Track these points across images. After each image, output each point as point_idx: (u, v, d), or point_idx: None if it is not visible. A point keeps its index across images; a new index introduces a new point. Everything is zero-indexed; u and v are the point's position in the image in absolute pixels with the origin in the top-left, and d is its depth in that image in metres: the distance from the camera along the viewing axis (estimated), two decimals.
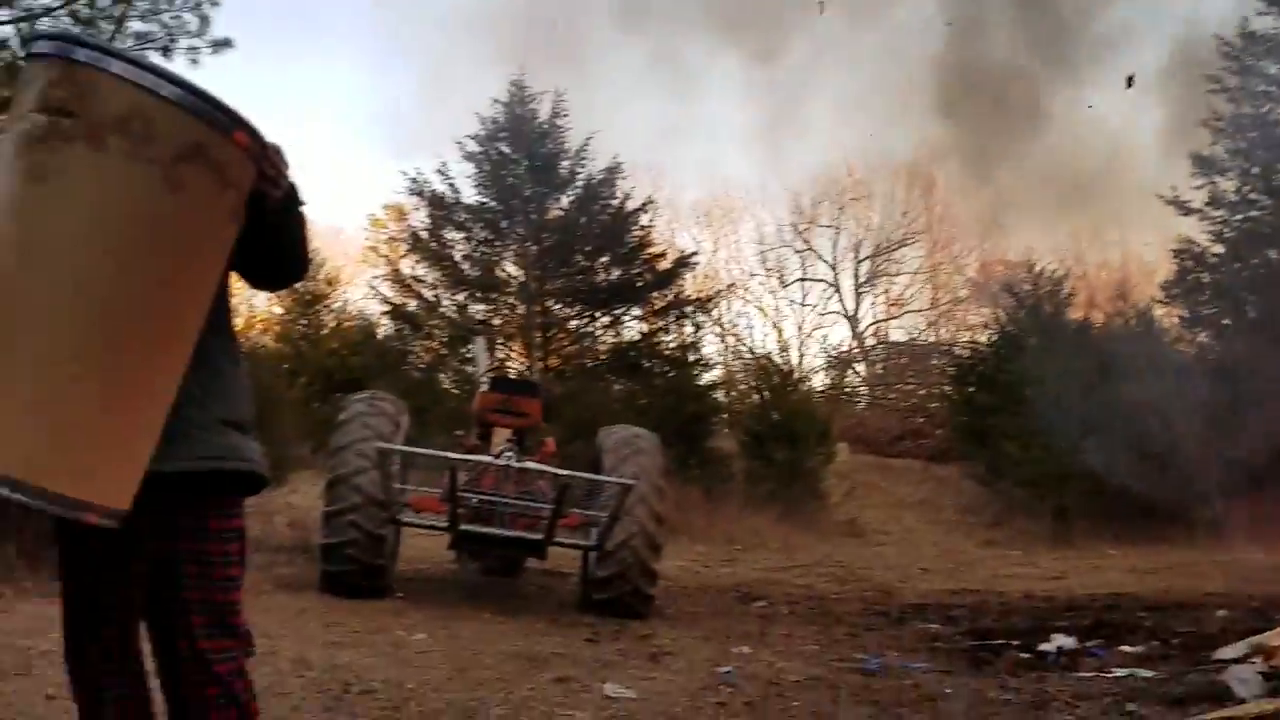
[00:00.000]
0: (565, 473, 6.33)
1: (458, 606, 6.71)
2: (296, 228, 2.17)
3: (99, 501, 1.72)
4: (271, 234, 2.10)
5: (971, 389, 17.55)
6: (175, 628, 2.09)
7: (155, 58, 8.69)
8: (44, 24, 8.30)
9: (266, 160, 1.94)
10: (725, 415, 18.47)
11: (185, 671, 2.08)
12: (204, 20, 8.90)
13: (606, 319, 17.54)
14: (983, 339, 20.31)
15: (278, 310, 19.98)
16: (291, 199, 2.11)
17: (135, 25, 8.74)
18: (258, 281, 2.31)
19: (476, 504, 6.63)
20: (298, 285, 21.26)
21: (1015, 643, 6.16)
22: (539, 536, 6.51)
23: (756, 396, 17.77)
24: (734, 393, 21.08)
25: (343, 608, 6.21)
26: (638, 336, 17.82)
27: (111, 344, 1.70)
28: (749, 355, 25.11)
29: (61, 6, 8.54)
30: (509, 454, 6.82)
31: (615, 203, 17.36)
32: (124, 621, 2.12)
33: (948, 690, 4.90)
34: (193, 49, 8.91)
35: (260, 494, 2.26)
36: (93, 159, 1.68)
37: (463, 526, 6.41)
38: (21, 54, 8.45)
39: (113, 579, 2.09)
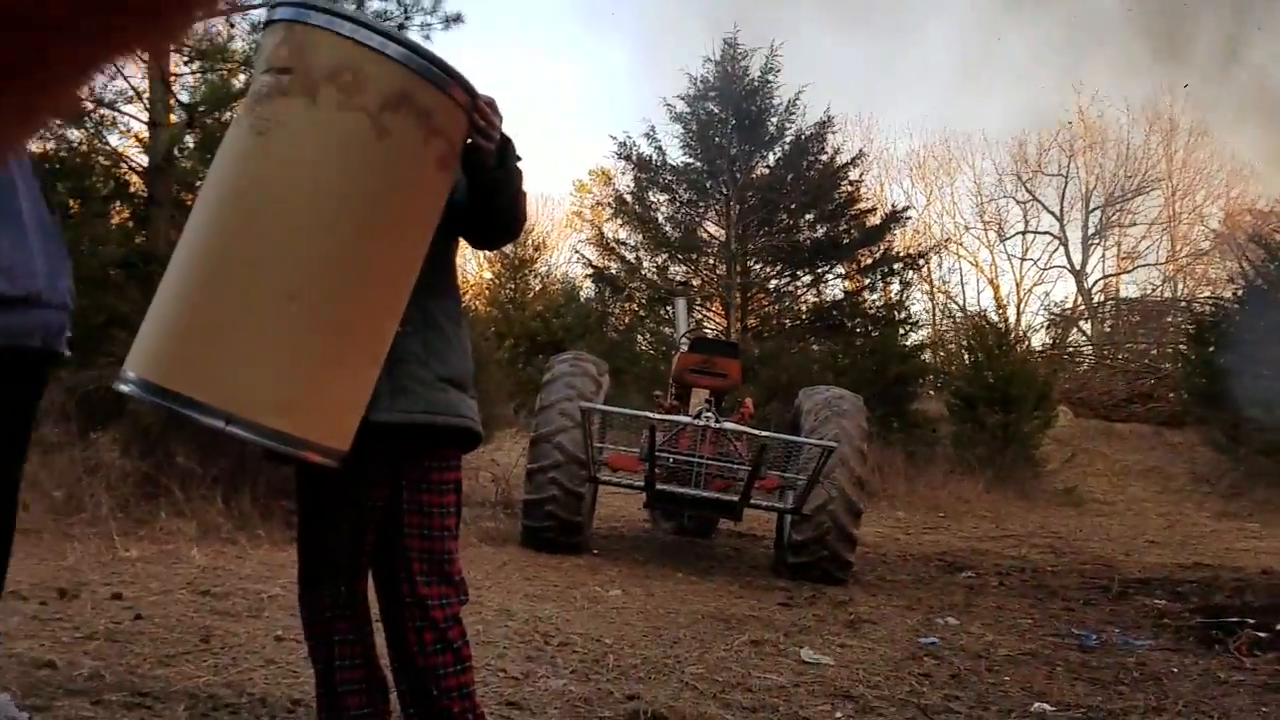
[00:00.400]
0: (764, 434, 6.19)
1: (651, 565, 6.74)
2: (512, 184, 2.21)
3: (318, 440, 1.80)
4: (488, 189, 2.18)
5: (1211, 348, 16.09)
6: (398, 574, 2.22)
7: None
8: None
9: (477, 110, 1.98)
10: (932, 377, 17.76)
11: (406, 616, 2.20)
12: None
13: (808, 278, 17.17)
14: (1226, 294, 18.59)
15: (487, 275, 20.75)
16: (506, 154, 2.14)
17: (374, 4, 9.17)
18: (476, 239, 2.37)
19: (673, 464, 6.61)
20: (508, 249, 22.07)
21: (1250, 621, 5.57)
22: (734, 498, 6.42)
23: (968, 357, 16.95)
24: (943, 353, 20.27)
25: (542, 562, 6.35)
26: (841, 295, 17.38)
27: (329, 287, 1.77)
28: (961, 314, 24.10)
29: None
30: (707, 414, 6.76)
31: (825, 158, 16.92)
32: (353, 568, 2.25)
33: (1174, 669, 4.53)
34: (426, 25, 9.30)
35: (473, 450, 2.37)
36: (307, 111, 1.76)
37: (659, 486, 6.40)
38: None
39: (344, 526, 2.22)
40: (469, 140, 2.02)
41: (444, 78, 1.84)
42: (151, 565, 4.96)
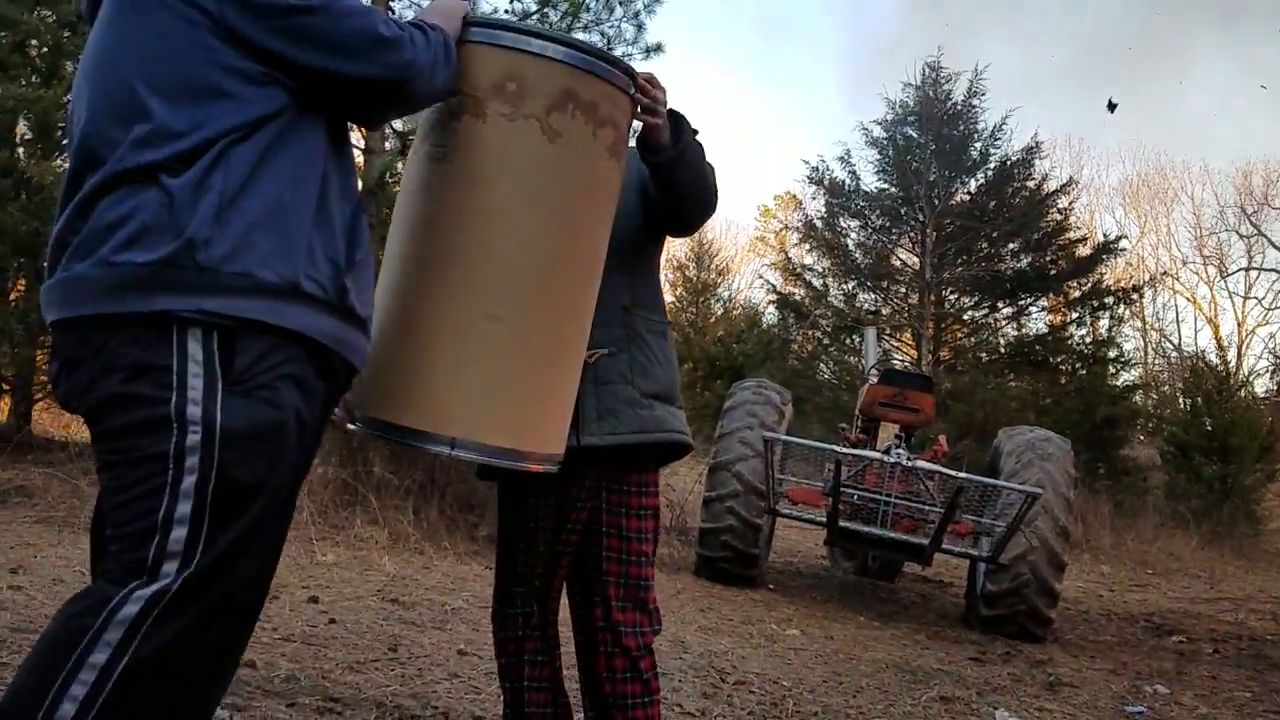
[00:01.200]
0: (961, 475, 5.86)
1: (831, 605, 6.50)
2: (692, 157, 2.14)
3: (536, 449, 1.84)
4: (668, 168, 2.11)
5: None
6: (593, 598, 2.21)
7: None
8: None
9: (639, 89, 1.96)
10: (1143, 421, 16.57)
11: (598, 641, 2.18)
12: (640, 28, 9.50)
13: (1009, 310, 16.39)
14: None
15: (668, 299, 20.90)
16: (679, 128, 2.10)
17: (579, 36, 9.46)
18: (673, 225, 2.31)
19: (858, 501, 6.37)
20: (690, 274, 22.19)
21: None
22: (924, 541, 6.11)
23: (1184, 401, 15.74)
24: (1155, 396, 18.93)
25: (717, 593, 6.23)
26: (1044, 329, 16.51)
27: (528, 299, 1.79)
28: (1176, 354, 22.49)
29: (518, 22, 9.43)
30: (898, 450, 6.47)
31: (1031, 185, 16.17)
32: (547, 588, 2.26)
33: None
34: (627, 55, 9.52)
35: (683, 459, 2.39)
36: (477, 129, 1.78)
37: (842, 523, 6.17)
38: None
39: (542, 546, 2.22)
40: (637, 122, 2.03)
41: (603, 66, 1.84)
42: (345, 571, 5.15)
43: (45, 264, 1.61)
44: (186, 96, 1.50)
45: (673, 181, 2.13)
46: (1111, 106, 14.88)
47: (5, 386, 7.80)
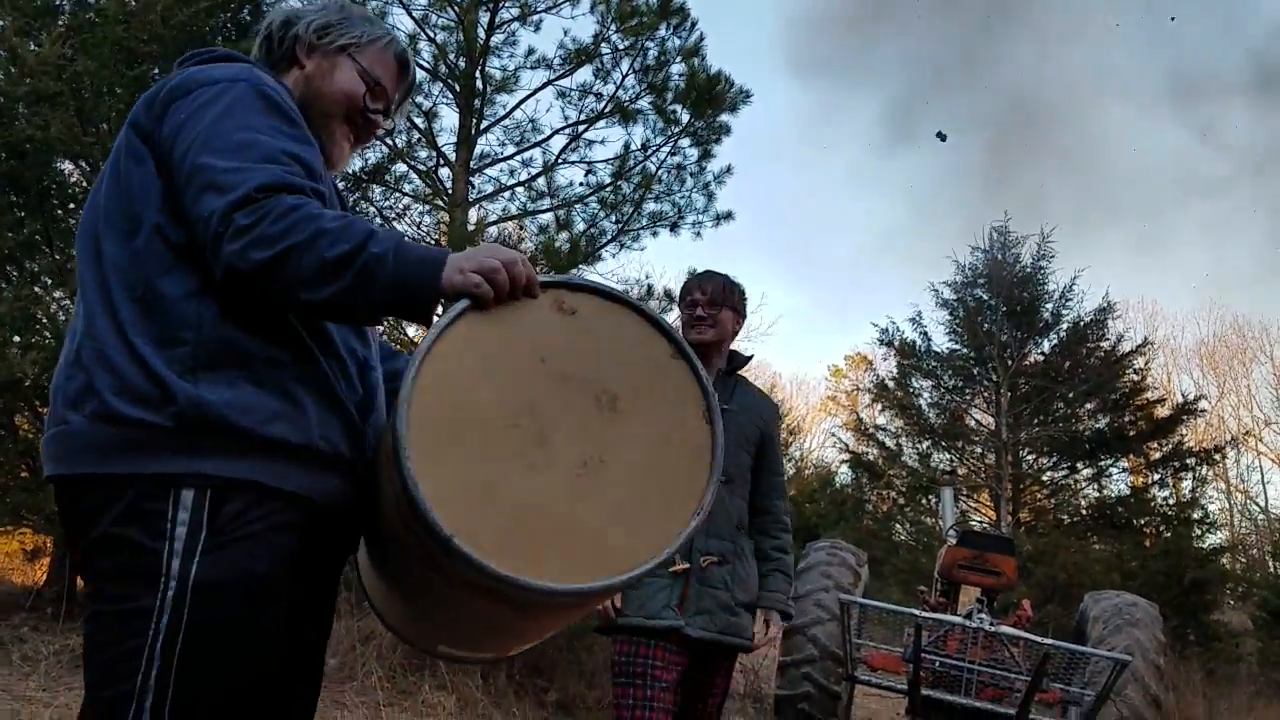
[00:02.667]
0: (1047, 641, 5.61)
1: None
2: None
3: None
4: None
5: None
6: None
7: (664, 232, 9.86)
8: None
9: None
10: (1233, 585, 15.75)
11: None
12: (710, 198, 9.89)
13: (1089, 471, 15.95)
14: None
15: None
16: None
17: (650, 206, 9.88)
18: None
19: (940, 668, 6.10)
20: None
21: None
22: (1011, 710, 5.80)
23: (1275, 565, 14.97)
24: (1244, 559, 18.04)
25: None
26: (1126, 491, 16.00)
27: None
28: (1264, 516, 21.55)
29: (592, 194, 9.93)
30: (980, 615, 6.24)
31: (1106, 345, 16.03)
32: None
33: None
34: (697, 223, 9.89)
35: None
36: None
37: (925, 691, 5.91)
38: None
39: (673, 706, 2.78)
40: None
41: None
42: None
43: None
44: None
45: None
46: (942, 137, 15.21)
47: (57, 547, 7.98)
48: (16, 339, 6.38)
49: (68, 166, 7.41)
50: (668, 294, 9.99)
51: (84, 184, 7.80)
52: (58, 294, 7.46)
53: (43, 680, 5.14)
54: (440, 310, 1.50)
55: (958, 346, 16.70)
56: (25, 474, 7.47)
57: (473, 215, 10.00)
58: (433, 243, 9.89)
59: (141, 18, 6.66)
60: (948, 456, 16.71)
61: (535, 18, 9.74)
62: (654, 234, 9.95)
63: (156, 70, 6.79)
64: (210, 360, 1.47)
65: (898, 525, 16.49)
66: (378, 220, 9.50)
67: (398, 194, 9.92)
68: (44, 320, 6.76)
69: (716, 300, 3.09)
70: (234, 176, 1.44)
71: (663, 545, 1.45)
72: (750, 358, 3.21)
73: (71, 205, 7.69)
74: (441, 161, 10.01)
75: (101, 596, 1.46)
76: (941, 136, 13.96)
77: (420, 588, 1.59)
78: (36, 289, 7.12)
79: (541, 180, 10.04)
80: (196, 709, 1.41)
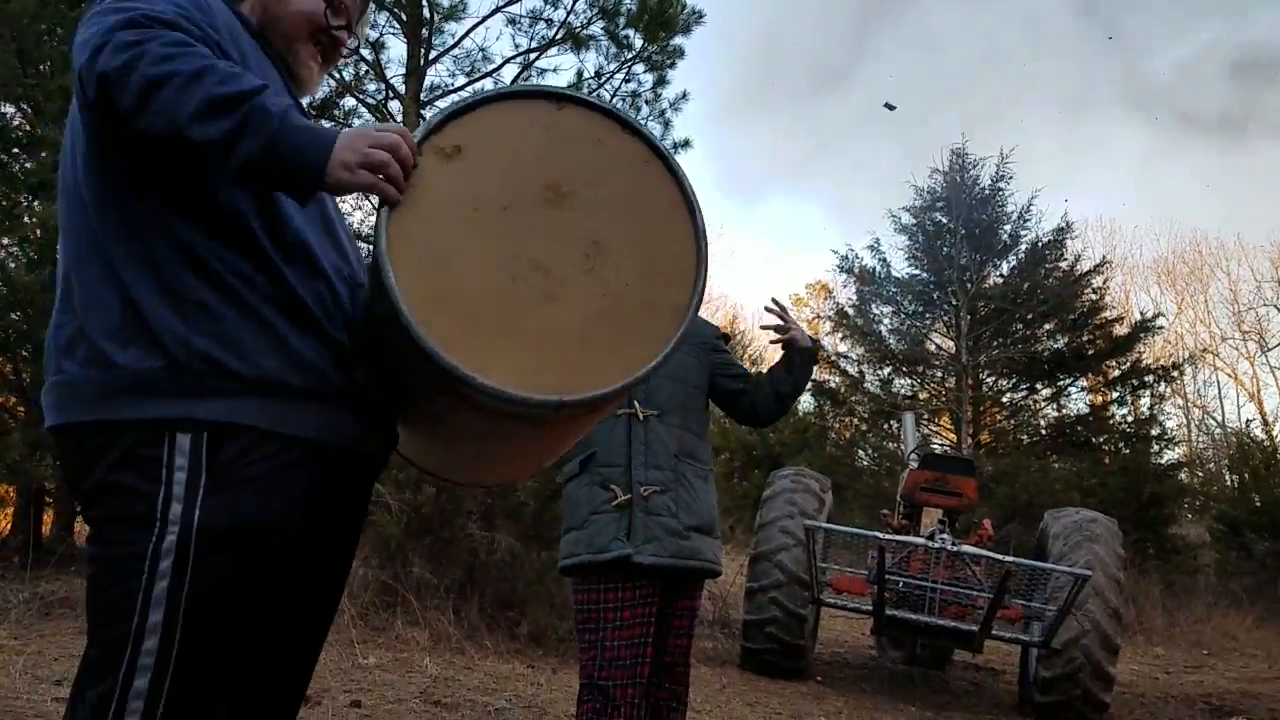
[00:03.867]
0: (1008, 559, 5.74)
1: (881, 697, 6.33)
2: (808, 377, 3.07)
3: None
4: (809, 359, 3.03)
5: None
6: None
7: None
8: None
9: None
10: (1190, 499, 16.20)
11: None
12: (667, 125, 9.79)
13: (1048, 391, 16.23)
14: None
15: None
16: (815, 352, 3.04)
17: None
18: (765, 413, 3.08)
19: (904, 588, 6.24)
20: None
21: None
22: (974, 628, 5.97)
23: (1231, 478, 15.40)
24: (1201, 474, 18.53)
25: (763, 687, 6.10)
26: (1085, 410, 16.31)
27: None
28: (1220, 431, 22.09)
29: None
30: (942, 536, 6.37)
31: (1064, 265, 16.19)
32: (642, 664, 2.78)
33: None
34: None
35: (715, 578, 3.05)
36: None
37: (889, 611, 6.05)
38: None
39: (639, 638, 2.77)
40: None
41: None
42: (387, 673, 5.11)
43: None
44: None
45: (803, 376, 3.03)
46: (890, 107, 15.58)
47: (47, 499, 7.90)
48: None
49: (9, 110, 7.18)
50: None
51: (26, 127, 7.56)
52: (6, 240, 7.28)
53: (13, 629, 5.13)
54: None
55: (917, 272, 16.77)
56: None
57: None
58: None
59: None
60: (909, 382, 16.90)
61: None
62: None
63: None
64: (180, 282, 1.43)
65: (860, 451, 16.72)
66: None
67: (346, 129, 9.72)
68: None
69: None
70: (97, 26, 1.36)
71: (665, 339, 1.43)
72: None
73: (16, 150, 7.47)
74: (391, 94, 9.81)
75: (100, 541, 1.45)
76: (890, 107, 14.03)
77: (433, 420, 1.62)
78: None
79: None
80: (201, 654, 1.40)
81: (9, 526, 8.50)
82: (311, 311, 1.51)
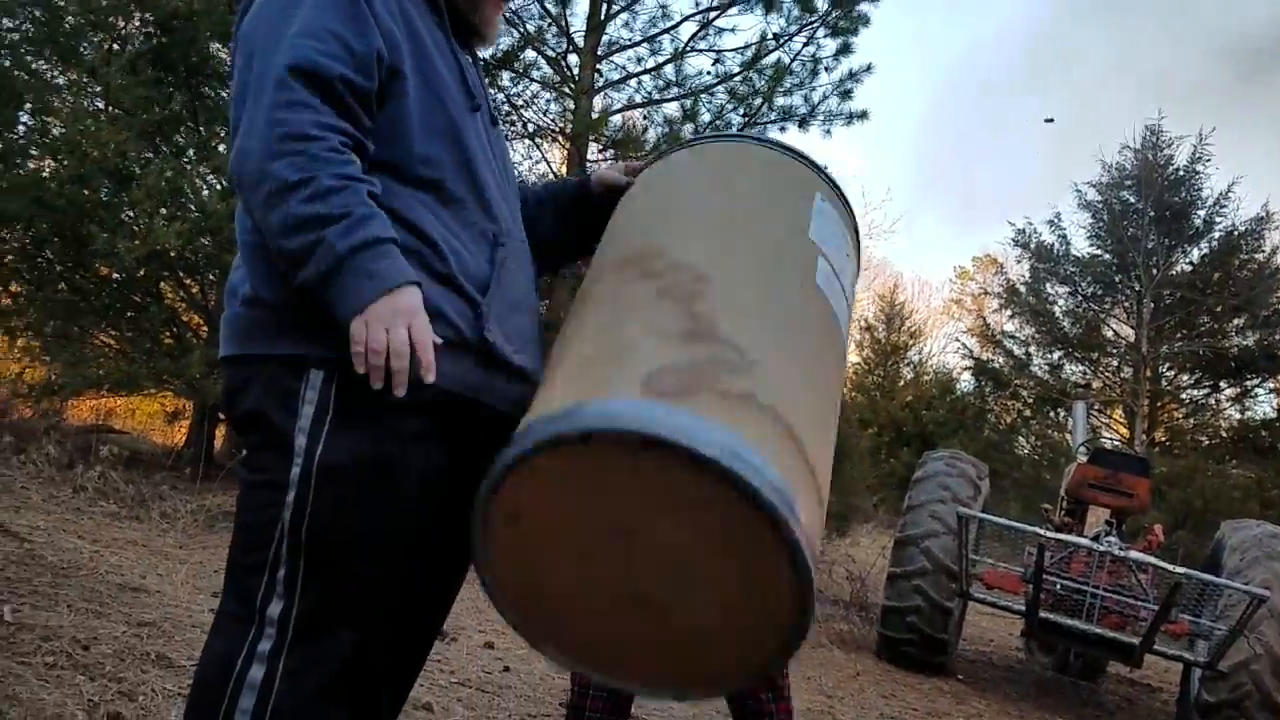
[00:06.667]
0: (1180, 569, 5.34)
1: (1026, 704, 6.03)
2: None
3: None
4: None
5: None
6: None
7: (792, 127, 9.54)
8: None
9: None
10: None
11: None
12: (846, 94, 9.48)
13: (1232, 391, 15.16)
14: None
15: (854, 359, 20.42)
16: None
17: (780, 100, 9.54)
18: None
19: (1061, 590, 5.90)
20: (879, 335, 21.68)
21: None
22: (1134, 640, 5.60)
23: None
24: None
25: (899, 678, 5.90)
26: (1272, 414, 15.16)
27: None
28: None
29: (719, 83, 9.66)
30: (1109, 538, 5.97)
31: (1260, 258, 15.00)
32: None
33: None
34: (828, 119, 9.53)
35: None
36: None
37: (1043, 614, 5.73)
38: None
39: None
40: None
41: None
42: None
43: None
44: None
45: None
46: (1049, 120, 14.58)
47: (220, 416, 8.34)
48: (163, 211, 6.58)
49: (215, 45, 7.51)
50: None
51: (230, 62, 7.91)
52: (202, 168, 7.65)
53: (179, 537, 5.44)
54: None
55: (1099, 252, 15.89)
56: (169, 340, 7.85)
57: (597, 103, 9.82)
58: (558, 130, 9.77)
59: None
60: (1081, 368, 16.08)
61: None
62: (782, 129, 9.60)
63: None
64: None
65: (1022, 438, 16.05)
66: (505, 108, 9.42)
67: (526, 79, 9.78)
68: (189, 194, 6.95)
69: None
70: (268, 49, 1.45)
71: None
72: None
73: (217, 84, 7.82)
74: (571, 48, 9.79)
75: (246, 466, 1.53)
76: (1049, 120, 13.37)
77: None
78: (184, 162, 7.31)
79: (670, 68, 9.75)
80: (322, 583, 1.45)
81: (183, 439, 9.06)
82: (449, 263, 1.53)
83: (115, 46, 7.21)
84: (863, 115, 9.62)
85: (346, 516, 1.45)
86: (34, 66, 7.23)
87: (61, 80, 7.34)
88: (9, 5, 7.06)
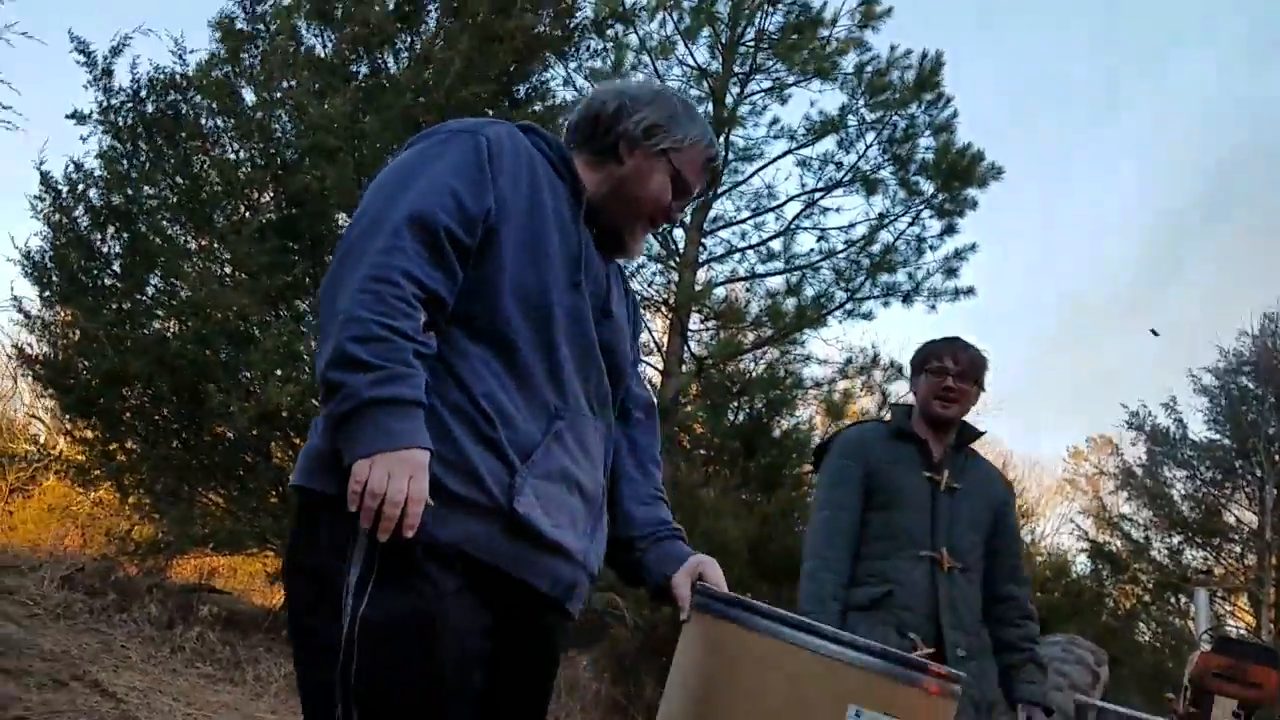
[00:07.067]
0: None
1: None
2: None
3: None
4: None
5: None
6: None
7: (895, 303, 9.54)
8: None
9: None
10: None
11: None
12: (950, 273, 9.57)
13: None
14: None
15: None
16: None
17: (884, 276, 9.66)
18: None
19: None
20: None
21: None
22: None
23: None
24: None
25: None
26: None
27: None
28: None
29: (824, 259, 9.78)
30: None
31: None
32: None
33: None
34: (933, 296, 9.58)
35: None
36: None
37: None
38: None
39: None
40: None
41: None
42: None
43: None
44: None
45: None
46: (1154, 333, 14.21)
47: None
48: (278, 373, 6.85)
49: (341, 217, 7.98)
50: (894, 364, 9.66)
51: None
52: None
53: (272, 702, 5.41)
54: None
55: (1217, 436, 15.42)
56: (274, 499, 8.03)
57: (701, 275, 10.08)
58: (660, 303, 10.02)
59: (429, 89, 7.12)
60: (1202, 554, 15.30)
61: (786, 91, 9.81)
62: (885, 304, 9.65)
63: None
64: None
65: (1141, 624, 15.12)
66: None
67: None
68: (305, 357, 7.24)
69: (968, 374, 2.83)
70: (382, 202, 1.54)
71: None
72: (983, 433, 2.95)
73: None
74: (677, 222, 10.15)
75: (300, 623, 1.50)
76: (1154, 333, 13.41)
77: None
78: (301, 328, 7.66)
79: (776, 242, 10.00)
80: None
81: (282, 601, 9.11)
82: (497, 428, 1.51)
83: (247, 215, 7.67)
84: (969, 291, 9.62)
85: (388, 677, 1.42)
86: (169, 232, 7.60)
87: (193, 245, 7.76)
88: (151, 174, 7.59)
